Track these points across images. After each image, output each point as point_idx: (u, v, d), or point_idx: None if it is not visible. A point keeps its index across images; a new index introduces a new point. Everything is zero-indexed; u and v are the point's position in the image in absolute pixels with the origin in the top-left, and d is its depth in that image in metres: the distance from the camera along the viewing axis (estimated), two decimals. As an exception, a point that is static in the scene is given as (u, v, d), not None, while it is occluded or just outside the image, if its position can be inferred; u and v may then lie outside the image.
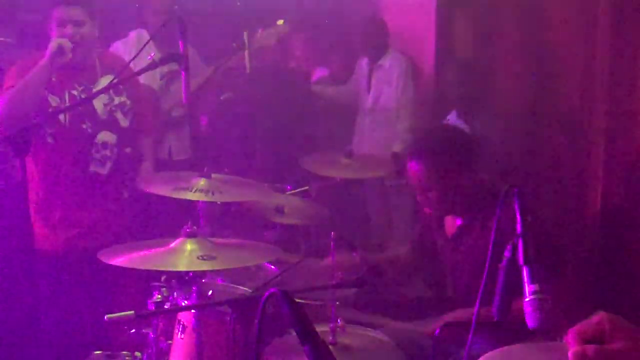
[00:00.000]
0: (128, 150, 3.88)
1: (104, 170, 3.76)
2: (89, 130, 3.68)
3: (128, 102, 3.82)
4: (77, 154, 3.67)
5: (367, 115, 5.51)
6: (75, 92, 3.65)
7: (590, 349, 1.24)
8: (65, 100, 3.61)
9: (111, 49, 4.70)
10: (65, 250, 3.70)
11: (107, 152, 3.74)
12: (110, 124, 3.76)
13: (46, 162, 3.64)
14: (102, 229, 3.78)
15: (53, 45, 3.46)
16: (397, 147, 5.18)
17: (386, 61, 5.43)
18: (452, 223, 3.07)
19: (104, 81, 3.71)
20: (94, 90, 3.66)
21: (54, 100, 3.59)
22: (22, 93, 3.46)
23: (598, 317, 1.29)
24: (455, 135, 3.03)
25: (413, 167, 2.92)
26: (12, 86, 3.55)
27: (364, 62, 5.61)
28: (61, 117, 3.57)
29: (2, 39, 4.65)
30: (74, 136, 3.65)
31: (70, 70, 3.63)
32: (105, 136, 3.74)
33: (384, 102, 5.44)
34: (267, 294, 1.21)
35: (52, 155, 3.63)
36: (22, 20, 4.82)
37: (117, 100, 3.77)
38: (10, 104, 3.47)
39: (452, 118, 4.68)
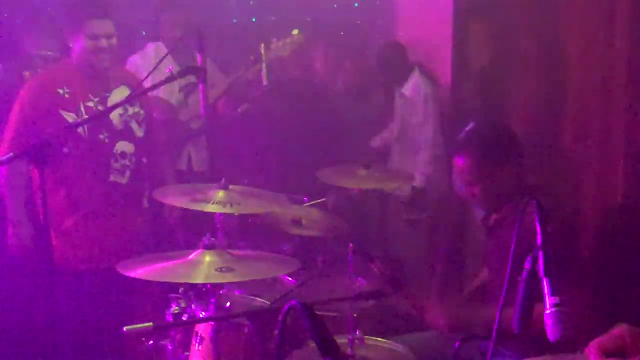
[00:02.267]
0: (145, 160, 3.91)
1: (124, 180, 3.79)
2: (107, 141, 3.71)
3: (142, 112, 3.86)
4: (96, 164, 3.70)
5: (394, 144, 5.35)
6: (91, 104, 3.68)
7: (612, 361, 1.23)
8: (81, 113, 3.64)
9: (128, 62, 4.73)
10: (83, 262, 3.72)
11: (126, 162, 3.77)
12: (127, 134, 3.79)
13: (65, 174, 3.66)
14: (121, 240, 3.80)
15: None
16: (417, 181, 4.95)
17: (407, 89, 5.17)
18: (493, 217, 3.10)
19: (118, 92, 3.76)
20: (109, 100, 3.72)
21: (69, 117, 3.62)
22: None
23: (619, 330, 1.28)
24: (500, 131, 3.05)
25: (459, 162, 2.97)
26: (23, 105, 3.63)
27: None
28: (80, 129, 3.60)
29: (46, 52, 4.67)
30: (92, 147, 3.68)
31: (85, 81, 3.69)
32: (123, 146, 3.77)
33: (408, 131, 5.21)
34: (287, 306, 1.21)
35: (70, 168, 3.65)
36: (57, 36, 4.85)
37: (131, 110, 3.81)
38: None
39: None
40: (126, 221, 3.84)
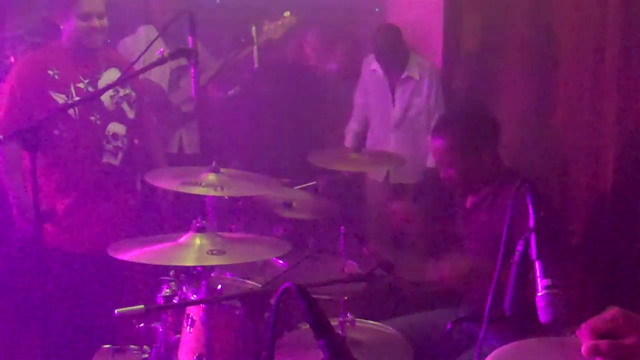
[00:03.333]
0: (137, 141, 3.91)
1: (117, 162, 3.79)
2: (99, 122, 3.71)
3: (133, 94, 3.87)
4: (89, 146, 3.70)
5: (392, 132, 5.12)
6: (81, 85, 3.68)
7: (604, 343, 1.24)
8: (72, 94, 3.64)
9: (120, 45, 4.70)
10: (74, 244, 3.72)
11: (119, 143, 3.78)
12: (119, 115, 3.80)
13: (56, 156, 3.65)
14: (114, 222, 3.80)
15: None
16: (431, 162, 4.80)
17: (414, 71, 5.04)
18: (470, 200, 3.15)
19: (108, 74, 3.77)
20: (99, 81, 3.72)
21: (59, 98, 3.61)
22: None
23: (611, 312, 1.29)
24: (478, 114, 3.13)
25: (436, 143, 3.03)
26: (13, 86, 3.61)
27: (374, 67, 5.21)
28: (71, 111, 3.59)
29: (18, 32, 4.65)
30: (84, 128, 3.68)
31: (75, 63, 3.68)
32: (114, 127, 3.77)
33: (413, 115, 5.06)
34: (281, 288, 1.21)
35: (62, 149, 3.65)
36: (38, 15, 4.81)
37: (122, 92, 3.82)
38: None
39: None
40: (119, 203, 3.84)
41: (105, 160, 3.75)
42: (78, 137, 3.66)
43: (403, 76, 5.06)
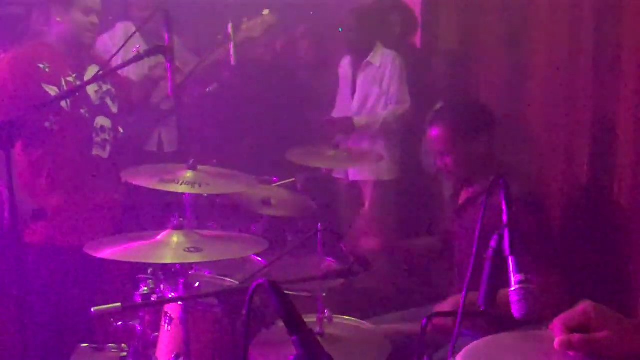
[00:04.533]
0: (120, 135, 3.95)
1: (105, 154, 3.81)
2: (87, 115, 3.73)
3: (113, 90, 3.90)
4: (80, 138, 3.73)
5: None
6: (70, 79, 3.70)
7: (576, 337, 1.25)
8: (63, 87, 3.66)
9: (98, 42, 4.68)
10: (67, 239, 3.69)
11: (106, 136, 3.81)
12: (104, 109, 3.83)
13: (48, 149, 3.64)
14: (104, 217, 3.82)
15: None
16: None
17: (376, 58, 4.97)
18: (464, 195, 3.19)
19: (91, 70, 3.81)
20: (85, 76, 3.75)
21: (51, 90, 3.62)
22: None
23: (583, 306, 1.30)
24: (474, 106, 3.20)
25: (433, 132, 3.08)
26: (5, 79, 3.59)
27: (345, 63, 5.20)
28: (63, 103, 3.59)
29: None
30: (75, 121, 3.69)
31: (64, 58, 3.71)
32: (102, 121, 3.80)
33: (371, 106, 5.00)
34: (254, 284, 1.21)
35: (54, 142, 3.65)
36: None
37: (104, 87, 3.86)
38: None
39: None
40: (107, 197, 3.85)
41: (95, 152, 3.77)
42: (69, 129, 3.68)
43: (364, 62, 4.99)
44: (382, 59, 4.96)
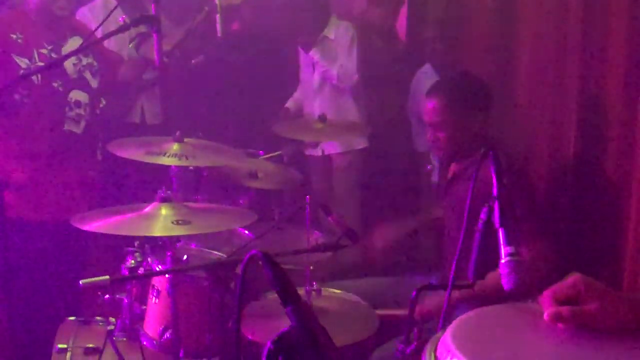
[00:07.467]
0: (99, 111, 3.87)
1: (79, 130, 3.73)
2: (60, 89, 3.65)
3: (95, 63, 3.81)
4: (50, 112, 3.64)
5: (315, 96, 5.02)
6: (44, 51, 3.61)
7: (566, 309, 1.26)
8: (35, 59, 3.57)
9: (77, 14, 4.62)
10: (35, 213, 3.67)
11: (81, 111, 3.72)
12: (81, 83, 3.74)
13: (18, 122, 3.59)
14: (76, 192, 3.75)
15: None
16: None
17: (331, 31, 4.92)
18: (452, 166, 3.19)
19: (73, 42, 3.71)
20: (63, 49, 3.66)
21: (22, 62, 3.55)
22: None
23: (572, 278, 1.31)
24: (473, 81, 3.13)
25: (429, 104, 3.04)
26: None
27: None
28: (33, 77, 3.54)
29: None
30: (46, 94, 3.60)
31: (40, 29, 3.62)
32: (77, 95, 3.71)
33: (330, 82, 4.93)
34: (248, 255, 1.21)
35: (23, 115, 3.58)
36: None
37: (85, 61, 3.76)
38: None
39: (427, 70, 4.73)
40: (80, 173, 3.79)
41: (67, 127, 3.69)
42: (40, 102, 3.59)
43: (320, 37, 4.93)
44: (337, 33, 4.91)
